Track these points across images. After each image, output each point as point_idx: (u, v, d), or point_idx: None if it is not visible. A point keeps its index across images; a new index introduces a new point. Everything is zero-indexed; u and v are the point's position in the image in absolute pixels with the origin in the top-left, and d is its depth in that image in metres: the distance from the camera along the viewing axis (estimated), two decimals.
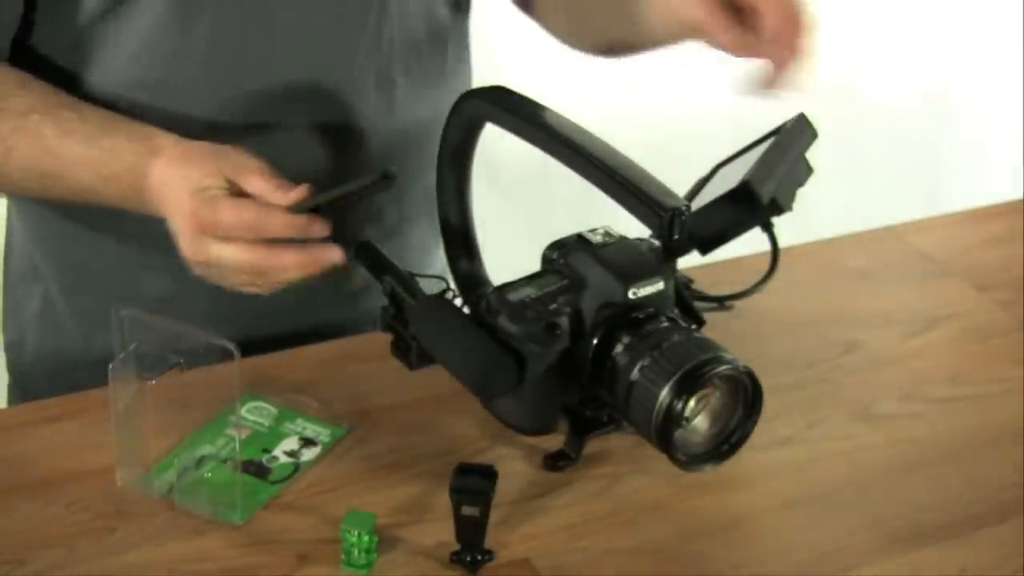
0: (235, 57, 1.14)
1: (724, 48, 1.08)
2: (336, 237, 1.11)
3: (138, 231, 1.13)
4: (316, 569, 0.95)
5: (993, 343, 1.24)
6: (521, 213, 2.00)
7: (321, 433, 1.08)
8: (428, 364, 1.11)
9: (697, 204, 1.09)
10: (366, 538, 0.94)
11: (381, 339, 1.15)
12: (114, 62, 1.14)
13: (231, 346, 0.93)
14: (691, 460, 1.00)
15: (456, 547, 0.95)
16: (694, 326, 1.07)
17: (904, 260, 1.37)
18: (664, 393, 0.96)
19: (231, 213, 1.00)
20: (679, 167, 1.16)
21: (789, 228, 1.14)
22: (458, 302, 1.11)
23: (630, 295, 1.01)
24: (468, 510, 0.94)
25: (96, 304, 1.24)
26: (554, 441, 1.06)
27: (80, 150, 1.08)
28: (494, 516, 0.95)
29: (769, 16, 1.06)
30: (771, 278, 1.18)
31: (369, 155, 1.23)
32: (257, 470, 1.03)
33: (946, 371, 1.20)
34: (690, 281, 1.19)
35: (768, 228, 1.13)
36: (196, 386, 1.00)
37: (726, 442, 1.01)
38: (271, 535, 0.98)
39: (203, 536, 0.97)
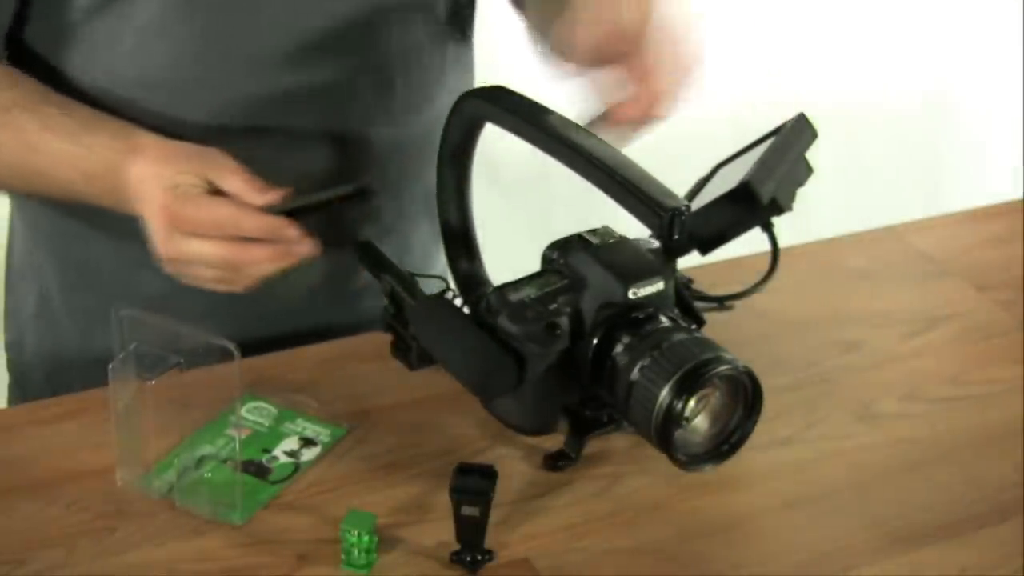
0: (230, 58, 1.14)
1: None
2: (333, 236, 1.12)
3: (137, 228, 1.13)
4: (316, 569, 0.95)
5: (993, 343, 1.24)
6: (521, 213, 2.00)
7: (321, 433, 1.08)
8: (428, 364, 1.11)
9: (697, 204, 1.09)
10: (366, 538, 0.94)
11: (381, 339, 1.15)
12: (110, 60, 1.13)
13: (231, 346, 0.93)
14: (691, 460, 1.00)
15: (456, 547, 0.95)
16: (694, 326, 1.07)
17: (904, 260, 1.37)
18: (664, 393, 0.96)
19: (204, 210, 1.01)
20: (679, 167, 1.16)
21: (789, 228, 1.14)
22: (458, 302, 1.11)
23: (630, 295, 1.01)
24: (468, 510, 0.94)
25: (93, 302, 1.24)
26: (554, 441, 1.06)
27: (61, 146, 1.08)
28: (494, 516, 0.95)
29: (639, 84, 1.08)
30: (771, 278, 1.18)
31: (367, 157, 1.23)
32: (257, 470, 1.03)
33: (946, 371, 1.20)
34: (690, 281, 1.19)
35: (768, 228, 1.13)
36: (196, 386, 1.00)
37: (726, 442, 1.01)
38: (271, 535, 0.98)
39: (203, 536, 0.97)
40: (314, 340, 1.20)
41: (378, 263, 1.14)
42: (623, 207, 1.00)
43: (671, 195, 0.99)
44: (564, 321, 1.02)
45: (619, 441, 1.07)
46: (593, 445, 1.07)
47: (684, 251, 1.05)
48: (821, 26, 2.60)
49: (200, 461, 1.02)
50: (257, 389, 1.11)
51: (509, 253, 1.22)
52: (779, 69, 2.54)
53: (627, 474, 1.05)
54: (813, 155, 1.10)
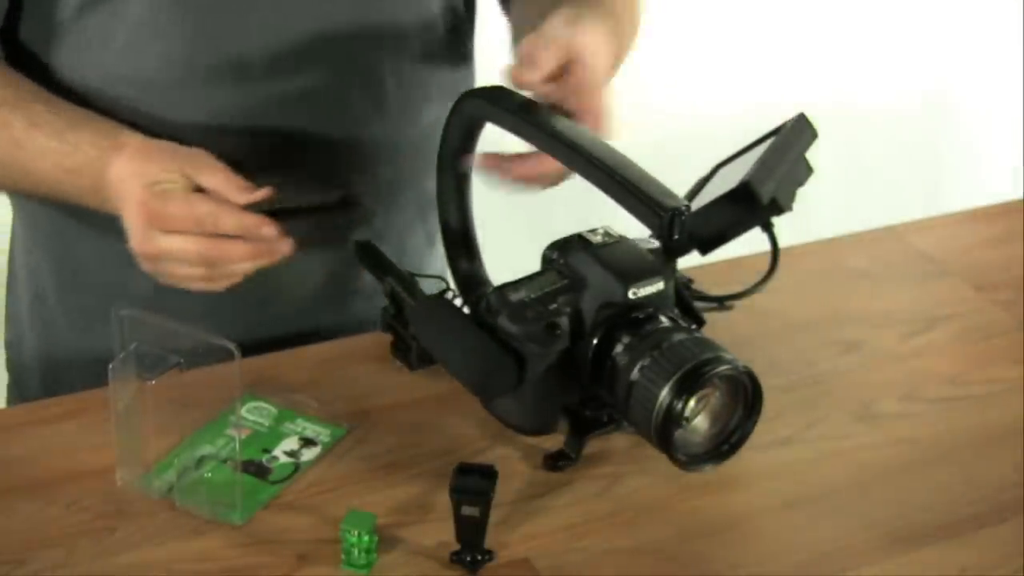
0: (220, 59, 1.14)
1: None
2: (325, 239, 1.12)
3: None
4: (316, 569, 0.95)
5: (993, 343, 1.24)
6: (521, 213, 1.99)
7: (321, 433, 1.08)
8: (428, 365, 1.11)
9: (697, 204, 1.09)
10: (366, 538, 0.94)
11: (381, 339, 1.15)
12: (101, 58, 1.13)
13: (231, 346, 0.93)
14: (691, 460, 1.00)
15: (456, 547, 0.95)
16: (694, 326, 1.07)
17: (904, 260, 1.37)
18: (664, 393, 0.96)
19: (181, 206, 1.00)
20: (679, 167, 1.16)
21: (789, 228, 1.14)
22: (458, 302, 1.11)
23: (630, 295, 1.01)
24: (468, 510, 0.94)
25: (90, 302, 1.24)
26: (554, 441, 1.06)
27: (45, 142, 1.08)
28: (494, 516, 0.95)
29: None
30: (771, 278, 1.18)
31: (358, 161, 1.22)
32: (257, 470, 1.03)
33: (946, 371, 1.20)
34: (690, 281, 1.19)
35: (768, 228, 1.13)
36: (196, 386, 1.00)
37: (726, 442, 1.01)
38: (271, 535, 0.98)
39: (203, 536, 0.97)
40: (314, 340, 1.20)
41: (378, 263, 1.14)
42: (623, 207, 0.99)
43: (671, 195, 0.99)
44: (564, 321, 1.02)
45: (619, 441, 1.07)
46: (593, 445, 1.07)
47: (684, 251, 1.05)
48: (821, 26, 2.60)
49: (200, 461, 1.02)
50: (257, 389, 1.11)
51: (509, 253, 1.22)
52: (779, 69, 2.54)
53: (627, 474, 1.05)
54: (813, 155, 1.10)
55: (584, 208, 1.19)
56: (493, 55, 1.41)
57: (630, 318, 1.01)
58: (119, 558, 0.95)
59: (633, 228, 1.04)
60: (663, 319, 1.02)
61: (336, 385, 1.13)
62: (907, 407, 1.15)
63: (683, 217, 0.97)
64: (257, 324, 1.18)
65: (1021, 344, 1.23)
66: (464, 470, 0.95)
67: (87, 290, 1.25)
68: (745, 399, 1.00)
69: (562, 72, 1.05)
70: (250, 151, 1.16)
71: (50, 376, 1.30)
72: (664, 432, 0.97)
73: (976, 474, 1.07)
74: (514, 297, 1.02)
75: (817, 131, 1.11)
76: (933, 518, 1.03)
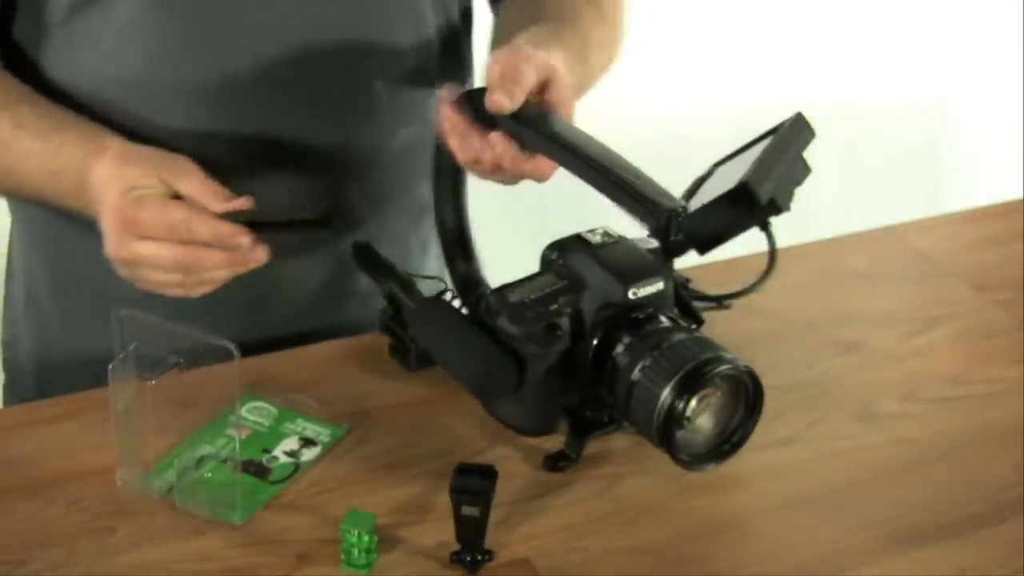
0: (207, 62, 1.13)
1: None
2: (313, 249, 1.11)
3: None
4: (316, 569, 0.95)
5: (993, 343, 1.24)
6: (521, 213, 1.99)
7: (321, 433, 1.08)
8: (427, 366, 1.11)
9: (695, 203, 1.09)
10: (366, 538, 0.94)
11: (381, 339, 1.15)
12: (91, 58, 1.13)
13: (231, 346, 0.93)
14: (693, 460, 1.00)
15: (456, 547, 0.95)
16: (694, 326, 1.07)
17: (904, 260, 1.37)
18: (665, 393, 0.96)
19: (155, 213, 1.00)
20: (679, 167, 1.16)
21: (789, 228, 1.14)
22: (456, 303, 1.11)
23: (630, 295, 1.01)
24: (468, 510, 0.94)
25: (81, 304, 1.24)
26: (554, 442, 1.06)
27: (30, 144, 1.09)
28: (494, 516, 0.95)
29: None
30: (768, 277, 1.18)
31: (348, 167, 1.21)
32: (257, 470, 1.03)
33: (946, 371, 1.20)
34: (687, 281, 1.19)
35: (766, 227, 1.13)
36: (196, 386, 1.00)
37: (727, 441, 1.01)
38: (271, 535, 0.98)
39: (203, 536, 0.97)
40: (314, 340, 1.20)
41: (376, 265, 1.14)
42: (620, 208, 1.00)
43: (668, 196, 0.99)
44: (564, 322, 1.02)
45: (619, 441, 1.07)
46: (593, 445, 1.07)
47: (682, 251, 1.05)
48: (822, 27, 2.61)
49: (200, 461, 1.02)
50: (257, 389, 1.11)
51: (509, 253, 1.22)
52: (779, 69, 2.54)
53: (627, 474, 1.05)
54: (814, 155, 1.10)
55: (583, 208, 1.19)
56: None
57: (630, 318, 1.01)
58: (119, 558, 0.95)
59: (632, 228, 1.04)
60: (663, 319, 1.01)
61: (336, 385, 1.13)
62: (907, 407, 1.15)
63: (680, 218, 0.97)
64: (251, 326, 1.18)
65: (1021, 344, 1.23)
66: (464, 470, 0.95)
67: (81, 292, 1.25)
68: (746, 398, 1.00)
69: (540, 88, 1.06)
70: (237, 156, 1.16)
71: (43, 377, 1.30)
72: (666, 432, 0.97)
73: (976, 474, 1.07)
74: (514, 298, 1.02)
75: (815, 130, 1.11)
76: (933, 518, 1.03)
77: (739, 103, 2.25)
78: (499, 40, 1.19)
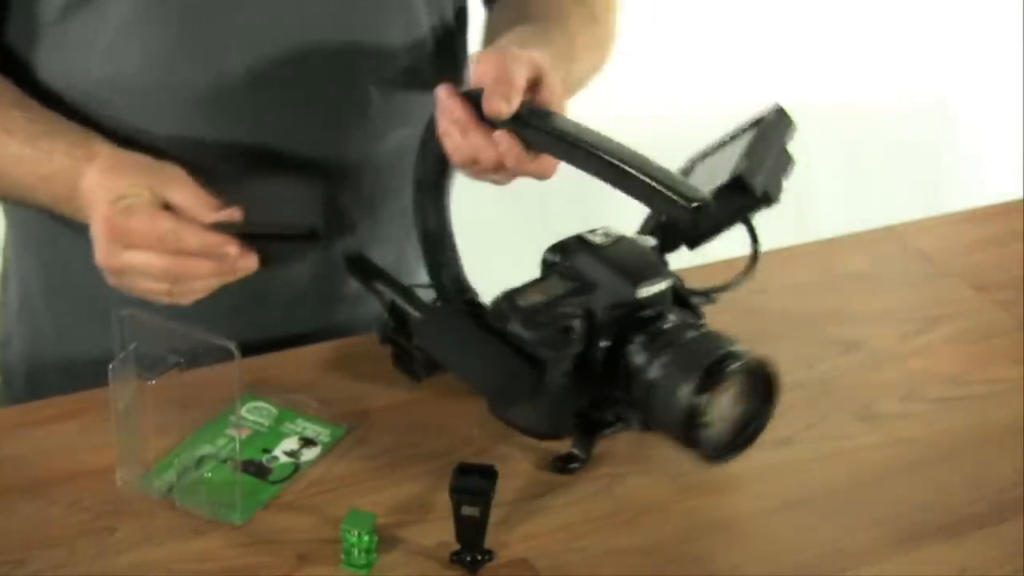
0: (201, 65, 1.13)
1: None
2: (304, 258, 1.10)
3: None
4: (316, 569, 0.95)
5: (993, 343, 1.24)
6: (520, 213, 2.00)
7: (321, 433, 1.08)
8: (434, 374, 1.10)
9: None
10: (366, 538, 0.94)
11: None
12: (84, 60, 1.13)
13: (231, 346, 0.93)
14: (716, 453, 0.99)
15: (456, 547, 0.95)
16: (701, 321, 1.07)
17: (904, 260, 1.37)
18: (688, 390, 0.96)
19: (144, 222, 1.00)
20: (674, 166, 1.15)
21: (789, 228, 1.14)
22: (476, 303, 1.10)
23: (639, 295, 1.01)
24: (468, 510, 0.94)
25: (75, 307, 1.24)
26: (555, 442, 1.06)
27: (21, 150, 1.08)
28: (494, 516, 0.95)
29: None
30: (754, 269, 1.16)
31: (340, 172, 1.21)
32: (257, 470, 1.03)
33: (946, 371, 1.20)
34: (679, 280, 1.19)
35: (747, 220, 1.12)
36: (196, 386, 1.00)
37: (744, 432, 1.00)
38: (271, 535, 0.98)
39: (203, 536, 0.97)
40: (314, 340, 1.20)
41: (372, 276, 1.13)
42: (643, 203, 0.98)
43: (694, 188, 0.98)
44: (577, 324, 1.01)
45: (619, 441, 1.07)
46: None
47: (699, 243, 1.05)
48: (821, 26, 2.61)
49: (200, 461, 1.02)
50: (257, 389, 1.11)
51: (508, 253, 1.22)
52: (779, 70, 2.54)
53: (627, 474, 1.05)
54: (814, 155, 1.10)
55: (583, 208, 1.19)
56: None
57: (639, 317, 1.01)
58: (119, 558, 0.95)
59: (631, 228, 1.04)
60: (671, 317, 1.02)
61: (336, 385, 1.13)
62: (907, 407, 1.15)
63: (710, 209, 0.97)
64: (242, 328, 1.18)
65: (1021, 344, 1.23)
66: (464, 470, 0.95)
67: (74, 296, 1.24)
68: (763, 388, 0.99)
69: (530, 87, 1.05)
70: (231, 158, 1.15)
71: (34, 379, 1.30)
72: (689, 428, 0.97)
73: (976, 474, 1.07)
74: (523, 302, 1.02)
75: (794, 121, 1.11)
76: (933, 518, 1.03)
77: (739, 103, 2.24)
78: (489, 42, 1.19)
